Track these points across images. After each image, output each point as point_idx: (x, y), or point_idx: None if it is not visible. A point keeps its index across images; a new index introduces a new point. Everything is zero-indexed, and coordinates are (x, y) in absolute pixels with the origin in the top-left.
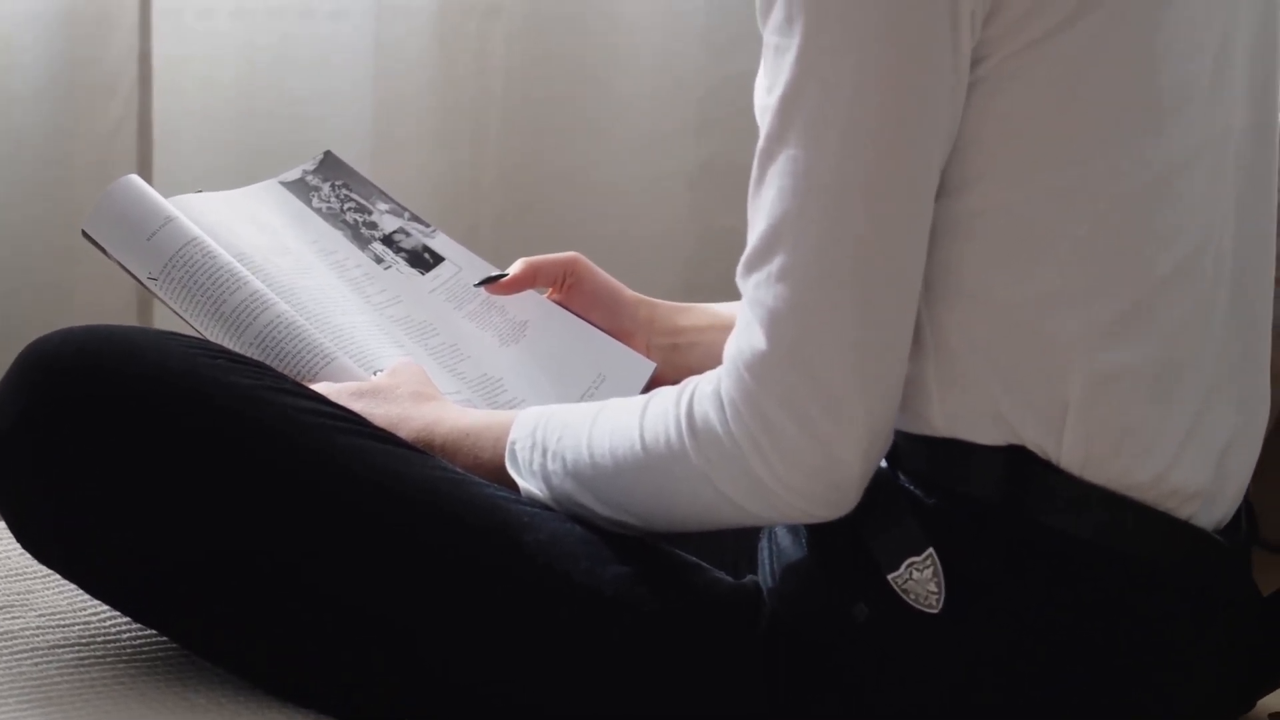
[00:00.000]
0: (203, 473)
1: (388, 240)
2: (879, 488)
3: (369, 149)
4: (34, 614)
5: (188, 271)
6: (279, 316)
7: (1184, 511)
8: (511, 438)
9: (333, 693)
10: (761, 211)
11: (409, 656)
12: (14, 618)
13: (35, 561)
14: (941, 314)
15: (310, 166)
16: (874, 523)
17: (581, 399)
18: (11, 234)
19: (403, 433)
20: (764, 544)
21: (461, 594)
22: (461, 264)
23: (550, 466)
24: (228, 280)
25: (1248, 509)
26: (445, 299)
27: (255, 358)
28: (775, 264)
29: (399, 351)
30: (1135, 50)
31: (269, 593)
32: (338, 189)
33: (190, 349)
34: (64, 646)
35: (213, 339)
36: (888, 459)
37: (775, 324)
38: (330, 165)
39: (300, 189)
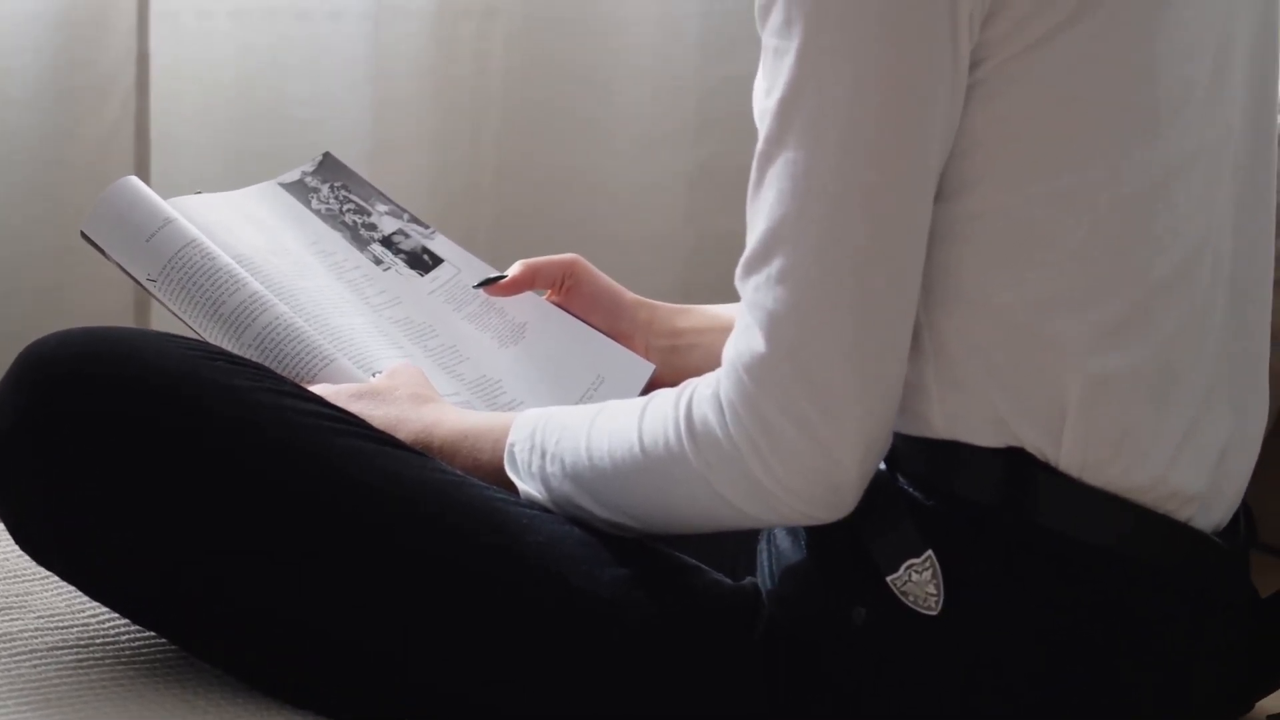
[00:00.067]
0: (202, 474)
1: (387, 242)
2: (878, 490)
3: (367, 150)
4: (32, 616)
5: (187, 273)
6: (278, 318)
7: (1183, 514)
8: (510, 440)
9: (331, 694)
10: (760, 214)
11: (406, 658)
12: (13, 619)
13: (34, 563)
14: (940, 317)
15: (309, 168)
16: (873, 525)
17: (580, 401)
18: (9, 235)
19: (401, 434)
20: (763, 546)
21: (460, 596)
22: (460, 265)
23: (549, 468)
24: (227, 282)
25: (1246, 511)
26: (444, 300)
27: (254, 359)
28: (774, 266)
29: (398, 353)
30: (1134, 53)
31: (268, 594)
32: (337, 190)
33: (189, 351)
34: (62, 648)
35: (211, 340)
36: (886, 461)
37: (774, 326)
38: (329, 167)
39: (299, 190)
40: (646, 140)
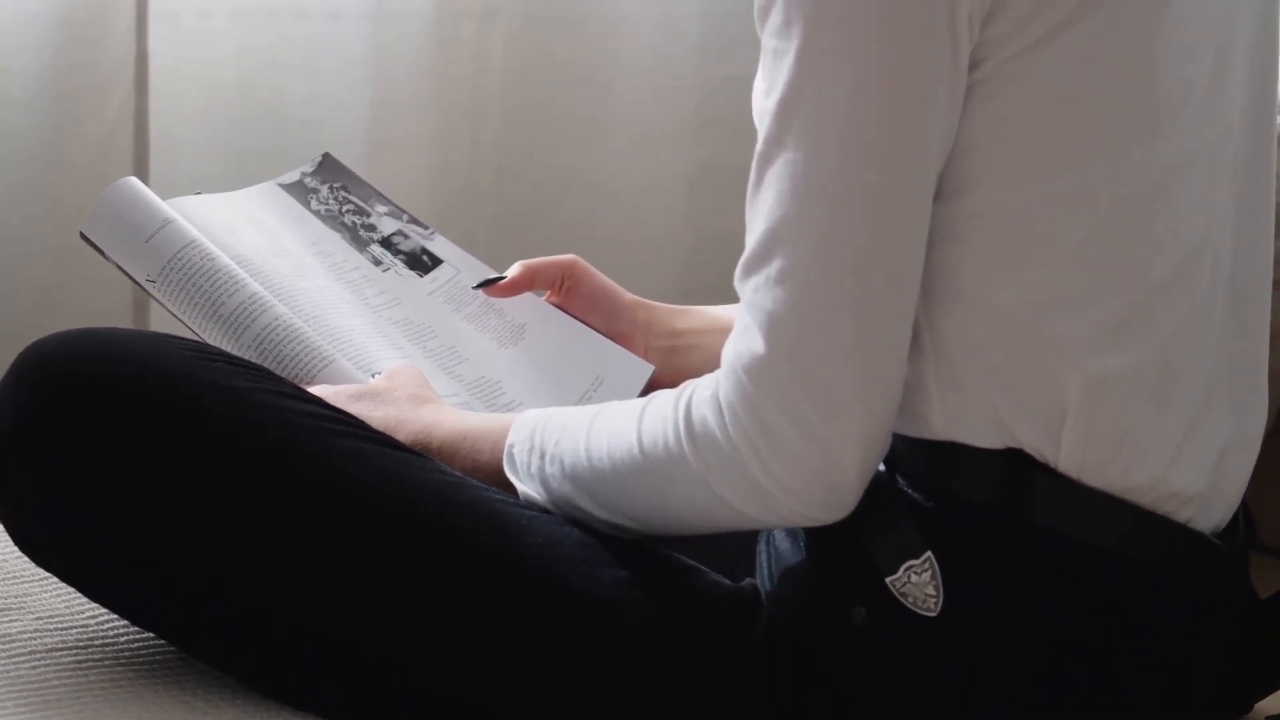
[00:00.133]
0: (201, 475)
1: (386, 242)
2: (877, 491)
3: (366, 151)
4: (31, 617)
5: (186, 274)
6: (277, 319)
7: (1182, 515)
8: (509, 441)
9: (331, 694)
10: (760, 215)
11: (406, 658)
12: (11, 621)
13: (33, 565)
14: (939, 318)
15: (309, 169)
16: (872, 526)
17: (579, 401)
18: (8, 235)
19: (400, 435)
20: (762, 547)
21: (459, 597)
22: (460, 266)
23: (548, 469)
24: (226, 283)
25: (1245, 512)
26: (443, 301)
27: (253, 360)
28: (774, 267)
29: (397, 354)
30: (1134, 53)
31: (268, 594)
32: (336, 191)
33: (188, 352)
34: (62, 650)
35: (211, 341)
36: (885, 462)
37: (773, 327)
38: (329, 167)
39: (299, 191)
40: (646, 140)
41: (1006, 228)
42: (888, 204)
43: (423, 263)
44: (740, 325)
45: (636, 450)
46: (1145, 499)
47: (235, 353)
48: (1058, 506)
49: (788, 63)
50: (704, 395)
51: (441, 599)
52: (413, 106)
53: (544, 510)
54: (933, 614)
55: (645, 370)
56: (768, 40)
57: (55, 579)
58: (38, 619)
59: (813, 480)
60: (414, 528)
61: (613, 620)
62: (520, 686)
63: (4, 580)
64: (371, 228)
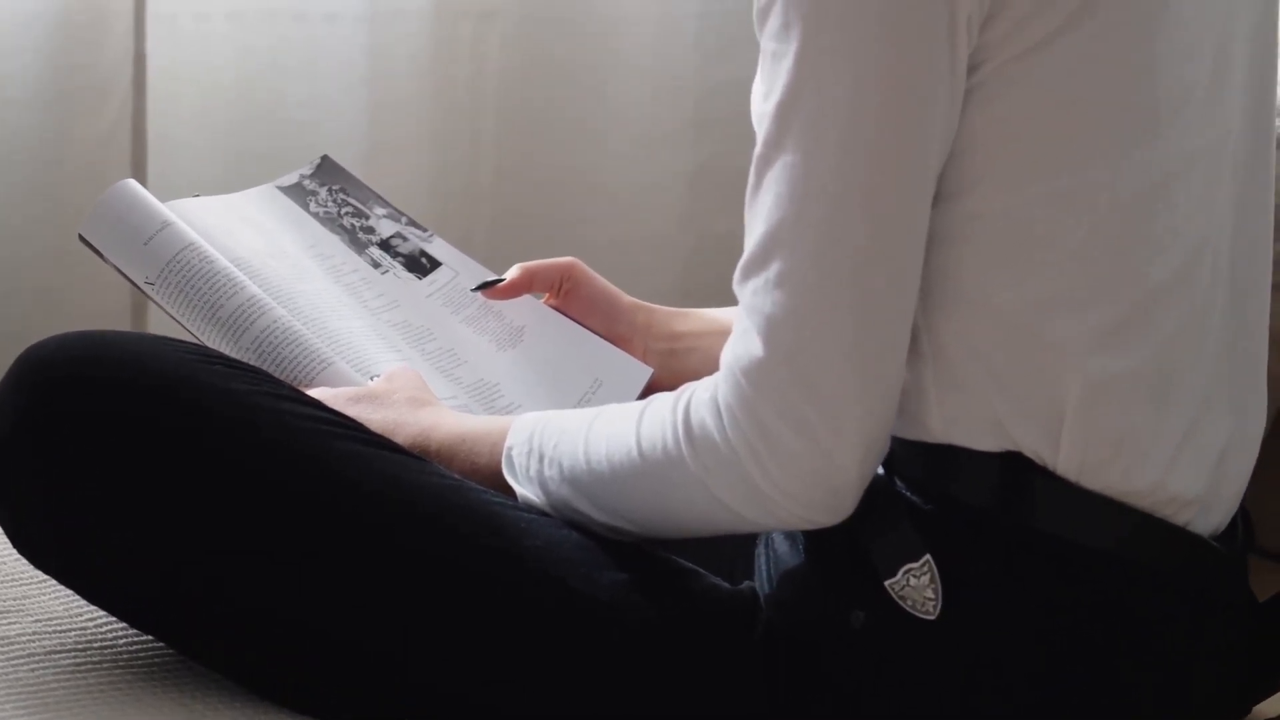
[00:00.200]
0: (200, 477)
1: (385, 245)
2: (876, 494)
3: (364, 152)
4: (30, 619)
5: (185, 276)
6: (275, 321)
7: (1181, 517)
8: (508, 443)
9: (331, 695)
10: (759, 217)
11: (406, 659)
12: (10, 623)
13: (31, 567)
14: (939, 320)
15: (307, 171)
16: (871, 529)
17: (578, 404)
18: (7, 236)
19: (399, 438)
20: (761, 550)
21: (458, 599)
22: (458, 269)
23: (547, 472)
24: (224, 285)
25: (1244, 516)
26: (442, 304)
27: (251, 363)
28: (773, 270)
29: (395, 356)
30: (1133, 55)
31: (267, 594)
32: (335, 193)
33: (187, 354)
34: (60, 652)
35: (209, 344)
36: (884, 465)
37: (772, 330)
38: (327, 170)
39: (297, 193)
40: (645, 141)
41: (1006, 228)
42: (887, 204)
43: (421, 265)
44: (739, 328)
45: (635, 453)
46: (1144, 502)
47: (234, 355)
48: (1056, 510)
49: (787, 65)
50: (703, 398)
51: (441, 600)
52: (411, 108)
53: (542, 513)
54: (931, 617)
55: (644, 373)
56: (766, 43)
57: (54, 582)
58: (36, 622)
59: (812, 483)
60: (413, 529)
61: (612, 622)
62: (520, 687)
63: (3, 583)
64: (370, 230)
